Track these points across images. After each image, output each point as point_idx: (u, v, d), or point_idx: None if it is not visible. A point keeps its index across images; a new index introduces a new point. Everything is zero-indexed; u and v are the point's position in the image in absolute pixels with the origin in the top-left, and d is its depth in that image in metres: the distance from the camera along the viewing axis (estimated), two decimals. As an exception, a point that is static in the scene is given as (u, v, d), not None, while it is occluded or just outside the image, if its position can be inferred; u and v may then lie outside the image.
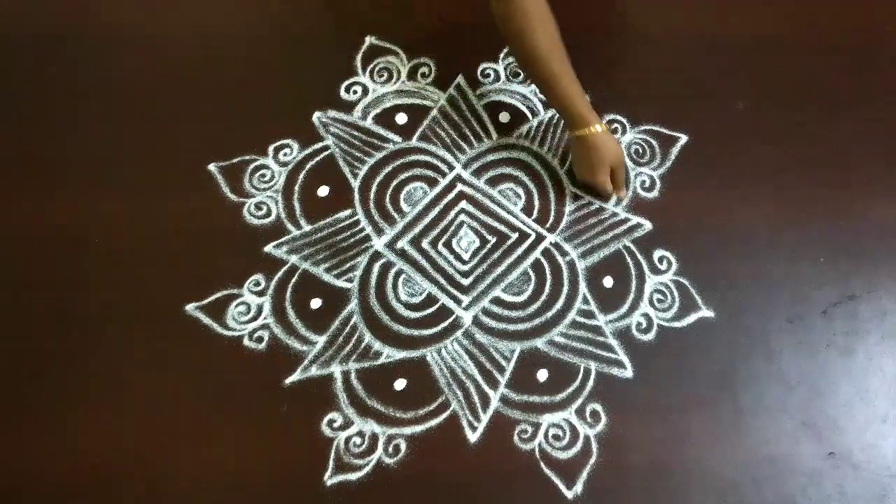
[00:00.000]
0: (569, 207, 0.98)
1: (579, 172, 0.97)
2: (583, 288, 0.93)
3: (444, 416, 0.85)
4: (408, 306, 0.91)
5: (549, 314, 0.92)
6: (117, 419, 0.84)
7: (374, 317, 0.90)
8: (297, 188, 0.97)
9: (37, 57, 1.06)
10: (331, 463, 0.82)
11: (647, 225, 0.97)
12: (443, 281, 0.93)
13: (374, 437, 0.84)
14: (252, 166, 0.98)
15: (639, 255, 0.95)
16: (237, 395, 0.85)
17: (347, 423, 0.84)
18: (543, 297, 0.93)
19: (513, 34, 0.88)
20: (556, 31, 0.89)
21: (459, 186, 0.99)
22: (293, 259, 0.93)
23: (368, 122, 1.02)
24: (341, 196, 0.97)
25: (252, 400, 0.85)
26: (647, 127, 1.04)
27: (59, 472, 0.81)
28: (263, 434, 0.84)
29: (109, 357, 0.87)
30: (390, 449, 0.83)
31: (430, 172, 0.99)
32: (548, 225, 0.97)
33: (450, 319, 0.91)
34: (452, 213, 0.97)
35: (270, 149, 0.99)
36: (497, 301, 0.92)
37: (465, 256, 0.95)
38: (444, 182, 0.99)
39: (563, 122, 1.03)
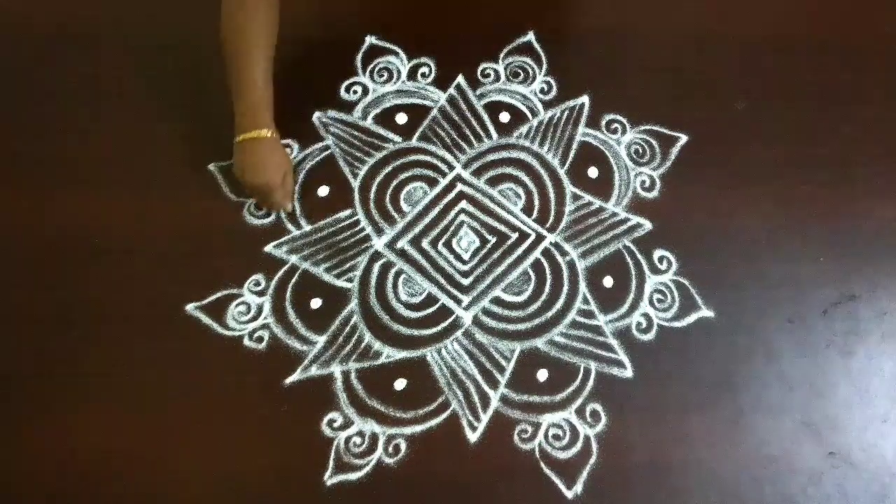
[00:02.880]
0: (569, 207, 0.98)
1: (244, 176, 0.90)
2: (583, 288, 0.93)
3: (444, 416, 0.85)
4: (408, 306, 0.91)
5: (549, 314, 0.92)
6: (117, 419, 0.84)
7: (374, 317, 0.90)
8: (297, 188, 0.97)
9: (37, 57, 1.06)
10: (331, 463, 0.82)
11: (647, 225, 0.97)
12: (443, 281, 0.93)
13: (374, 437, 0.84)
14: (252, 166, 0.98)
15: (639, 255, 0.95)
16: (237, 395, 0.85)
17: (347, 423, 0.84)
18: (543, 297, 0.93)
19: (227, 16, 0.86)
20: (270, 32, 0.88)
21: (459, 186, 0.99)
22: (293, 259, 0.93)
23: (368, 122, 1.02)
24: (341, 196, 0.97)
25: (252, 400, 0.85)
26: (647, 127, 1.04)
27: (58, 472, 0.81)
28: (263, 434, 0.84)
29: (109, 357, 0.87)
30: (390, 449, 0.83)
31: (430, 172, 0.99)
32: (548, 225, 0.97)
33: (450, 319, 0.91)
34: (452, 213, 0.97)
35: (270, 149, 0.99)
36: (497, 301, 0.92)
37: (465, 256, 0.95)
38: (444, 182, 0.99)
39: (562, 121, 1.03)
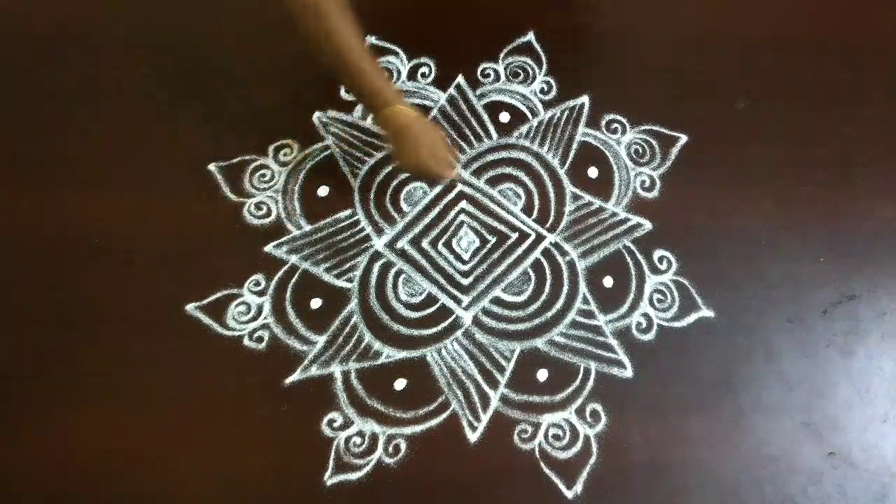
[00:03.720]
0: (569, 207, 0.98)
1: (402, 158, 0.85)
2: (583, 288, 0.93)
3: (444, 416, 0.85)
4: (408, 306, 0.91)
5: (549, 314, 0.92)
6: (117, 419, 0.84)
7: (374, 317, 0.90)
8: (297, 188, 0.97)
9: (37, 57, 1.06)
10: (331, 463, 0.82)
11: (647, 225, 0.97)
12: (443, 281, 0.93)
13: (374, 437, 0.84)
14: (252, 166, 0.98)
15: (639, 255, 0.95)
16: (237, 395, 0.85)
17: (347, 423, 0.84)
18: (543, 297, 0.93)
19: (314, 30, 0.79)
20: (356, 24, 0.81)
21: (459, 186, 0.99)
22: (293, 259, 0.93)
23: (368, 122, 1.02)
24: (341, 196, 0.97)
25: (252, 400, 0.85)
26: (647, 127, 1.04)
27: (58, 471, 0.81)
28: (263, 434, 0.84)
29: (109, 357, 0.87)
30: (390, 449, 0.83)
31: (430, 172, 0.99)
32: (548, 225, 0.97)
33: (450, 319, 0.91)
34: (452, 213, 0.97)
35: (270, 149, 0.99)
36: (497, 301, 0.92)
37: (465, 256, 0.95)
38: (444, 182, 0.99)
39: (562, 121, 1.03)
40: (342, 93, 1.04)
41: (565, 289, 0.93)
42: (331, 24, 0.78)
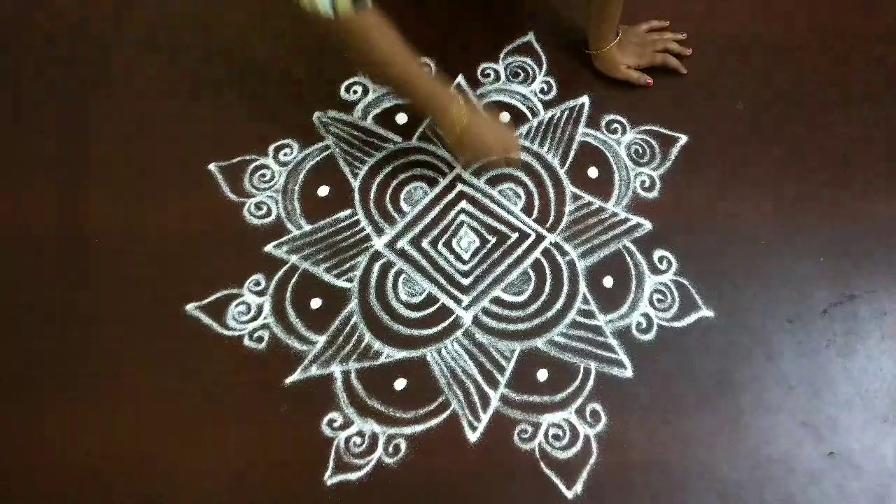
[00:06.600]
0: (569, 207, 0.98)
1: (476, 152, 0.92)
2: (583, 288, 0.93)
3: (444, 415, 0.85)
4: (408, 306, 0.91)
5: (549, 314, 0.92)
6: (117, 419, 0.84)
7: (374, 317, 0.90)
8: (297, 188, 0.97)
9: (37, 57, 1.06)
10: (331, 463, 0.82)
11: (647, 225, 0.97)
12: (443, 281, 0.93)
13: (374, 437, 0.84)
14: (252, 166, 0.98)
15: (639, 255, 0.95)
16: (237, 395, 0.85)
17: (347, 423, 0.84)
18: (543, 297, 0.93)
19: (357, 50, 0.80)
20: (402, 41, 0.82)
21: (459, 186, 0.99)
22: (293, 259, 0.93)
23: (368, 122, 1.02)
24: (341, 196, 0.97)
25: (252, 400, 0.85)
26: (647, 127, 1.03)
27: (58, 472, 0.81)
28: (263, 434, 0.84)
29: (109, 357, 0.87)
30: (390, 449, 0.83)
31: (430, 172, 0.99)
32: (548, 225, 0.97)
33: (450, 319, 0.91)
34: (452, 213, 0.97)
35: (270, 149, 0.99)
36: (497, 301, 0.92)
37: (465, 256, 0.95)
38: (444, 182, 0.99)
39: (562, 121, 1.03)
40: (342, 93, 1.04)
41: (565, 289, 0.93)
42: (372, 41, 0.78)
